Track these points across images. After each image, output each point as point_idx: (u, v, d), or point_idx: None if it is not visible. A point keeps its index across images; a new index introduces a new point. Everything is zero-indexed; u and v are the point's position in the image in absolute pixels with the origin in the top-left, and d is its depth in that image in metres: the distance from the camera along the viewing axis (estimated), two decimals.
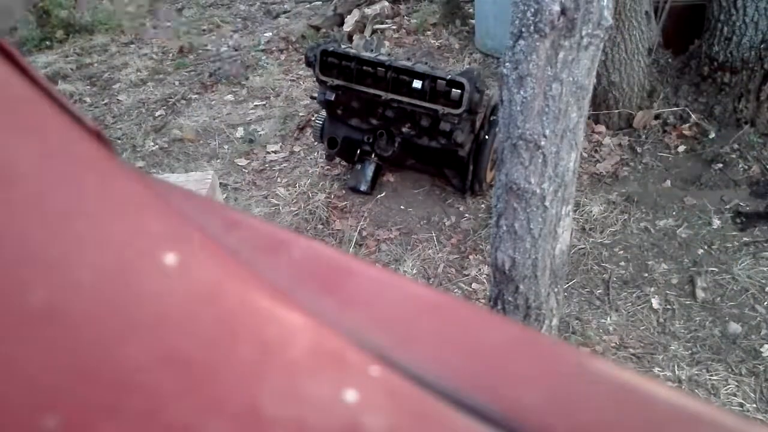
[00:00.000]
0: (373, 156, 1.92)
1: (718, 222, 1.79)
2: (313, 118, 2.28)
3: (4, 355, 0.14)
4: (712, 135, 2.06)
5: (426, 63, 1.86)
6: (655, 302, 1.58)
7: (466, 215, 1.90)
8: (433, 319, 0.25)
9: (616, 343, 1.48)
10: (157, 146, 2.39)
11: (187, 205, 0.30)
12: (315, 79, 1.89)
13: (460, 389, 0.21)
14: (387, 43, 2.94)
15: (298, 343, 0.18)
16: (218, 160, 2.26)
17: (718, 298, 1.58)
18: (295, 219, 1.94)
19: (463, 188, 1.91)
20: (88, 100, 2.82)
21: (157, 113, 2.63)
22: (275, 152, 2.27)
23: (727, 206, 1.85)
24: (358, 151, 1.92)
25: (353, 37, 2.97)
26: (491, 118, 1.81)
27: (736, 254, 1.69)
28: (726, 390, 1.37)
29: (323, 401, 0.17)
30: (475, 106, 1.75)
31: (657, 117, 2.13)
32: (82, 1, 3.60)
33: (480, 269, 1.69)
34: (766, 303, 1.56)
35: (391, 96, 1.77)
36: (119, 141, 2.46)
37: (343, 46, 1.88)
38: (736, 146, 2.01)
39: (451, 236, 1.82)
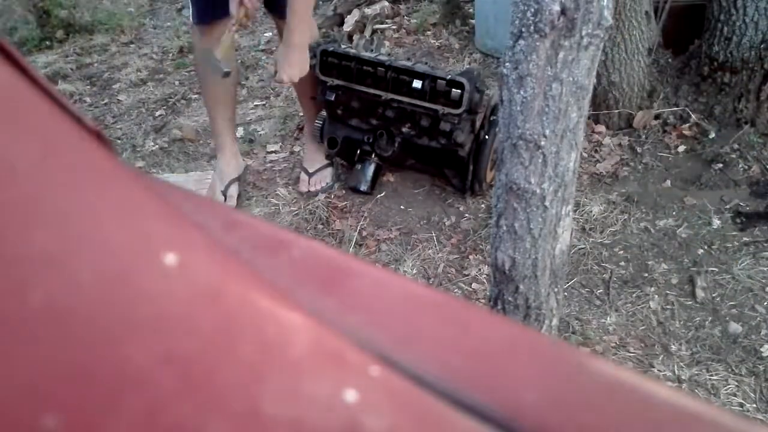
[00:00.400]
0: (373, 156, 1.92)
1: (718, 222, 1.79)
2: None
3: (4, 355, 0.14)
4: (712, 135, 2.06)
5: (426, 63, 1.86)
6: (654, 302, 1.58)
7: (466, 215, 1.90)
8: (433, 319, 0.25)
9: (616, 343, 1.48)
10: (157, 146, 2.39)
11: (187, 205, 0.30)
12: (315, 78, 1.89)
13: (460, 389, 0.21)
14: (387, 43, 2.94)
15: (298, 343, 0.18)
16: None
17: (718, 298, 1.58)
18: (295, 219, 1.94)
19: (463, 188, 1.92)
20: (88, 100, 2.83)
21: (157, 113, 2.63)
22: (275, 152, 2.27)
23: (727, 206, 1.85)
24: (358, 151, 1.92)
25: (353, 37, 2.97)
26: (491, 118, 1.81)
27: (736, 254, 1.69)
28: (726, 390, 1.37)
29: (323, 401, 0.17)
30: (475, 106, 1.75)
31: (657, 117, 2.13)
32: None
33: (480, 269, 1.69)
34: (766, 303, 1.56)
35: (391, 96, 1.77)
36: (119, 141, 2.46)
37: (343, 46, 1.88)
38: (736, 146, 2.01)
39: (451, 236, 1.82)
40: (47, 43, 3.40)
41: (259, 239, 0.28)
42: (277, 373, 0.17)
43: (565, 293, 1.54)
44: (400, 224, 1.88)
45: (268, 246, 0.28)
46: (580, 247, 1.75)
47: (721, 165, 1.97)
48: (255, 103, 2.61)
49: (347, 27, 3.04)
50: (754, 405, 1.35)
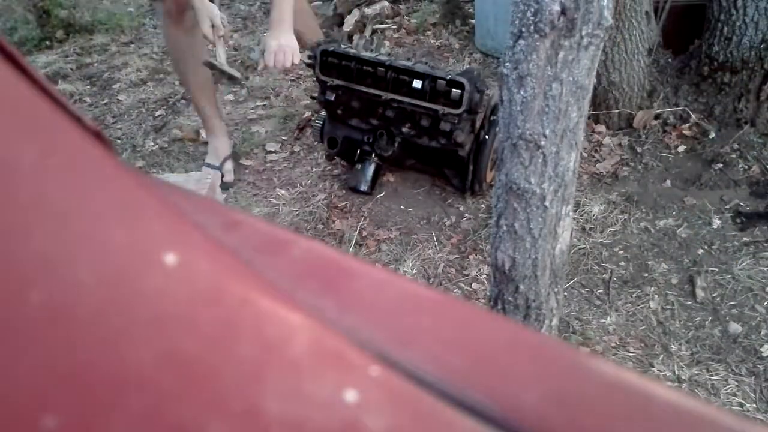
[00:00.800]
0: (373, 156, 1.92)
1: (718, 222, 1.79)
2: (313, 118, 2.28)
3: (4, 355, 0.14)
4: (712, 135, 2.06)
5: (426, 63, 1.86)
6: (654, 302, 1.58)
7: (466, 215, 1.90)
8: (433, 319, 0.25)
9: (616, 343, 1.48)
10: (157, 146, 2.39)
11: (187, 205, 0.30)
12: (315, 79, 1.89)
13: (460, 389, 0.21)
14: (387, 43, 2.94)
15: (298, 342, 0.18)
16: None
17: (718, 298, 1.58)
18: (295, 219, 1.94)
19: (463, 188, 1.91)
20: (88, 100, 2.82)
21: (157, 113, 2.63)
22: (275, 152, 2.27)
23: (727, 206, 1.85)
24: (358, 151, 1.92)
25: (353, 37, 2.97)
26: (491, 118, 1.81)
27: (736, 254, 1.69)
28: (726, 390, 1.37)
29: (323, 401, 0.17)
30: (475, 106, 1.75)
31: (657, 117, 2.13)
32: None
33: (480, 269, 1.69)
34: (766, 303, 1.56)
35: (391, 96, 1.77)
36: (119, 141, 2.46)
37: (343, 46, 1.88)
38: (736, 146, 2.01)
39: (451, 236, 1.82)
40: (47, 43, 3.40)
41: (259, 239, 0.28)
42: (278, 373, 0.17)
43: (565, 293, 1.54)
44: (400, 224, 1.88)
45: (268, 246, 0.28)
46: (580, 247, 1.75)
47: (721, 165, 1.97)
48: (255, 103, 2.61)
49: (347, 27, 3.04)
50: (754, 405, 1.35)
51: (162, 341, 0.16)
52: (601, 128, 2.16)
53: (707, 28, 2.05)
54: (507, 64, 0.89)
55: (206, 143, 2.20)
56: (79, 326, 0.16)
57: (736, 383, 1.39)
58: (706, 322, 1.52)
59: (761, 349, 1.45)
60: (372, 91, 1.79)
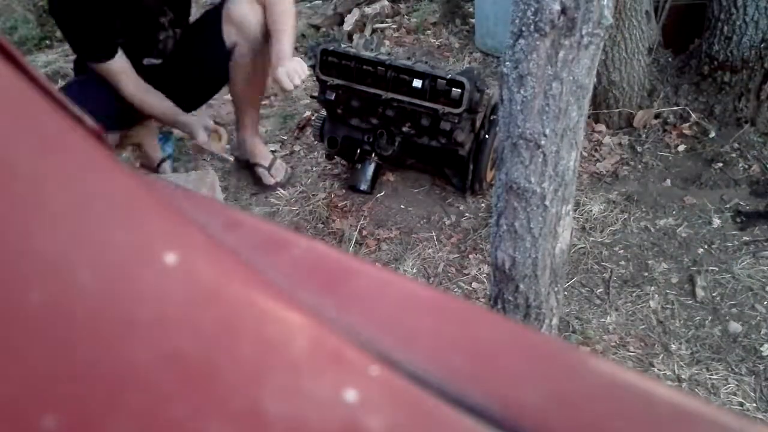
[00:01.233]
0: (373, 155, 1.92)
1: (718, 221, 1.79)
2: (313, 118, 2.28)
3: (4, 355, 0.14)
4: (713, 134, 2.06)
5: (426, 62, 1.86)
6: (654, 301, 1.58)
7: (466, 214, 1.90)
8: (433, 318, 0.25)
9: (616, 342, 1.48)
10: None
11: (187, 205, 0.30)
12: (315, 78, 1.89)
13: (460, 389, 0.21)
14: (387, 42, 2.94)
15: (298, 342, 0.18)
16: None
17: (718, 298, 1.58)
18: (295, 218, 1.94)
19: (464, 187, 1.92)
20: None
21: None
22: (275, 152, 2.27)
23: (727, 205, 1.85)
24: (359, 151, 1.92)
25: (353, 37, 2.97)
26: (491, 118, 1.81)
27: (736, 253, 1.69)
28: (726, 389, 1.37)
29: (323, 401, 0.17)
30: (476, 106, 1.75)
31: (657, 116, 2.13)
32: None
33: (480, 268, 1.69)
34: (766, 302, 1.56)
35: (391, 95, 1.77)
36: None
37: (343, 46, 1.88)
38: (736, 145, 2.01)
39: (451, 235, 1.82)
40: (47, 42, 3.40)
41: (259, 239, 0.28)
42: (278, 373, 0.17)
43: (565, 292, 1.54)
44: (400, 223, 1.88)
45: (268, 245, 0.28)
46: (580, 246, 1.75)
47: (721, 164, 1.97)
48: None
49: (347, 26, 3.04)
50: (754, 404, 1.35)
51: (162, 341, 0.16)
52: (602, 127, 2.15)
53: (707, 27, 2.05)
54: (507, 63, 0.89)
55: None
56: (79, 326, 0.16)
57: (736, 382, 1.39)
58: (706, 322, 1.52)
59: (761, 349, 1.45)
60: (372, 90, 1.79)
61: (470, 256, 1.74)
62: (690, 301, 1.58)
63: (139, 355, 0.16)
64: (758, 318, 1.52)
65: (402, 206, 1.95)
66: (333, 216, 1.91)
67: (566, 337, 1.49)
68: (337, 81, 1.82)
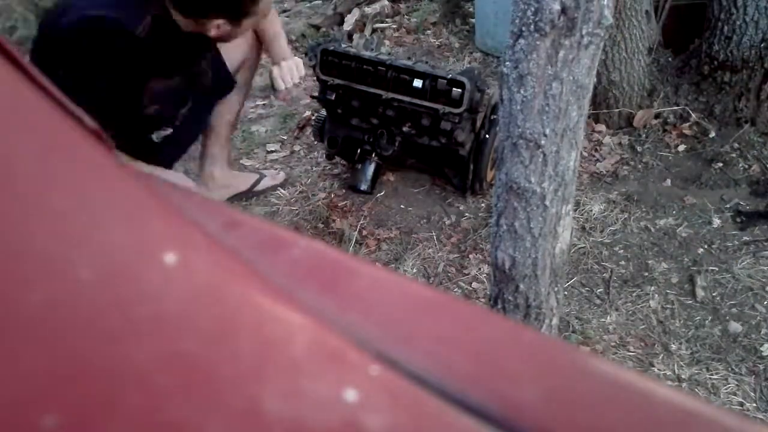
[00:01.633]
0: (373, 155, 1.91)
1: (718, 221, 1.79)
2: (313, 118, 2.28)
3: (4, 355, 0.14)
4: (713, 134, 2.06)
5: (426, 62, 1.86)
6: (654, 301, 1.58)
7: (467, 214, 1.90)
8: (433, 318, 0.25)
9: (616, 342, 1.48)
10: None
11: (187, 205, 0.30)
12: (315, 78, 1.89)
13: (460, 389, 0.21)
14: (387, 42, 2.94)
15: (298, 342, 0.18)
16: None
17: (718, 297, 1.58)
18: (295, 218, 1.94)
19: (464, 187, 1.91)
20: None
21: None
22: (275, 152, 2.27)
23: (727, 205, 1.85)
24: (359, 151, 1.92)
25: (353, 36, 2.97)
26: (492, 117, 1.81)
27: (736, 253, 1.69)
28: (726, 389, 1.37)
29: (323, 400, 0.17)
30: (476, 105, 1.75)
31: (657, 116, 2.13)
32: None
33: (480, 268, 1.69)
34: (766, 302, 1.56)
35: (391, 95, 1.77)
36: None
37: (343, 46, 1.88)
38: (736, 145, 2.01)
39: (451, 235, 1.82)
40: None
41: (259, 239, 0.28)
42: (278, 373, 0.17)
43: (566, 292, 1.54)
44: (400, 223, 1.88)
45: (268, 245, 0.28)
46: (580, 246, 1.75)
47: (721, 164, 1.97)
48: (255, 103, 2.60)
49: (347, 26, 3.04)
50: (754, 404, 1.35)
51: (162, 340, 0.16)
52: (602, 127, 2.15)
53: (707, 27, 2.05)
54: (507, 63, 0.89)
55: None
56: (79, 326, 0.16)
57: (736, 382, 1.39)
58: (706, 322, 1.52)
59: (761, 349, 1.45)
60: (372, 90, 1.79)
61: (470, 256, 1.74)
62: (690, 301, 1.58)
63: (139, 355, 0.16)
64: (758, 318, 1.52)
65: (402, 206, 1.95)
66: (333, 216, 1.91)
67: (566, 337, 1.49)
68: (337, 81, 1.82)
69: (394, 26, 3.07)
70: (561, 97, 0.87)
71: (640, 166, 2.02)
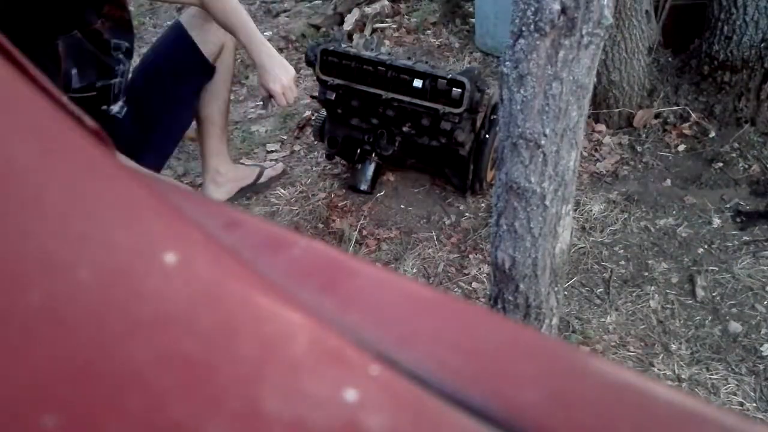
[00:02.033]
0: (373, 155, 1.91)
1: (718, 221, 1.79)
2: (313, 118, 2.28)
3: (4, 355, 0.14)
4: (713, 134, 2.06)
5: (426, 62, 1.86)
6: (654, 301, 1.58)
7: (467, 214, 1.90)
8: (433, 318, 0.25)
9: (616, 342, 1.48)
10: None
11: (187, 205, 0.30)
12: (315, 78, 1.89)
13: (460, 389, 0.21)
14: (387, 42, 2.94)
15: (298, 342, 0.18)
16: None
17: (718, 297, 1.58)
18: (295, 218, 1.94)
19: (464, 187, 1.91)
20: None
21: None
22: (275, 152, 2.27)
23: (728, 205, 1.85)
24: (359, 151, 1.92)
25: (353, 36, 2.97)
26: (492, 117, 1.81)
27: (736, 253, 1.69)
28: (726, 389, 1.37)
29: (323, 400, 0.17)
30: (476, 105, 1.75)
31: (657, 116, 2.13)
32: None
33: (480, 268, 1.69)
34: (766, 302, 1.56)
35: (391, 95, 1.77)
36: None
37: (343, 45, 1.88)
38: (736, 145, 2.01)
39: (451, 235, 1.82)
40: None
41: (259, 239, 0.28)
42: (277, 373, 0.17)
43: (565, 292, 1.54)
44: (400, 223, 1.88)
45: (268, 245, 0.28)
46: (580, 246, 1.75)
47: (721, 164, 1.97)
48: (255, 103, 2.60)
49: (347, 26, 3.04)
50: (754, 404, 1.35)
51: (162, 341, 0.16)
52: (601, 127, 2.15)
53: (707, 27, 2.05)
54: (507, 63, 0.89)
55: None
56: (79, 326, 0.16)
57: (736, 382, 1.39)
58: (706, 321, 1.52)
59: (761, 348, 1.45)
60: (372, 90, 1.79)
61: (470, 256, 1.74)
62: (690, 301, 1.58)
63: (139, 355, 0.16)
64: (758, 318, 1.52)
65: (402, 206, 1.95)
66: (333, 216, 1.91)
67: (566, 337, 1.49)
68: (337, 81, 1.82)
69: (394, 26, 3.07)
70: (561, 97, 0.87)
71: (640, 166, 2.02)
